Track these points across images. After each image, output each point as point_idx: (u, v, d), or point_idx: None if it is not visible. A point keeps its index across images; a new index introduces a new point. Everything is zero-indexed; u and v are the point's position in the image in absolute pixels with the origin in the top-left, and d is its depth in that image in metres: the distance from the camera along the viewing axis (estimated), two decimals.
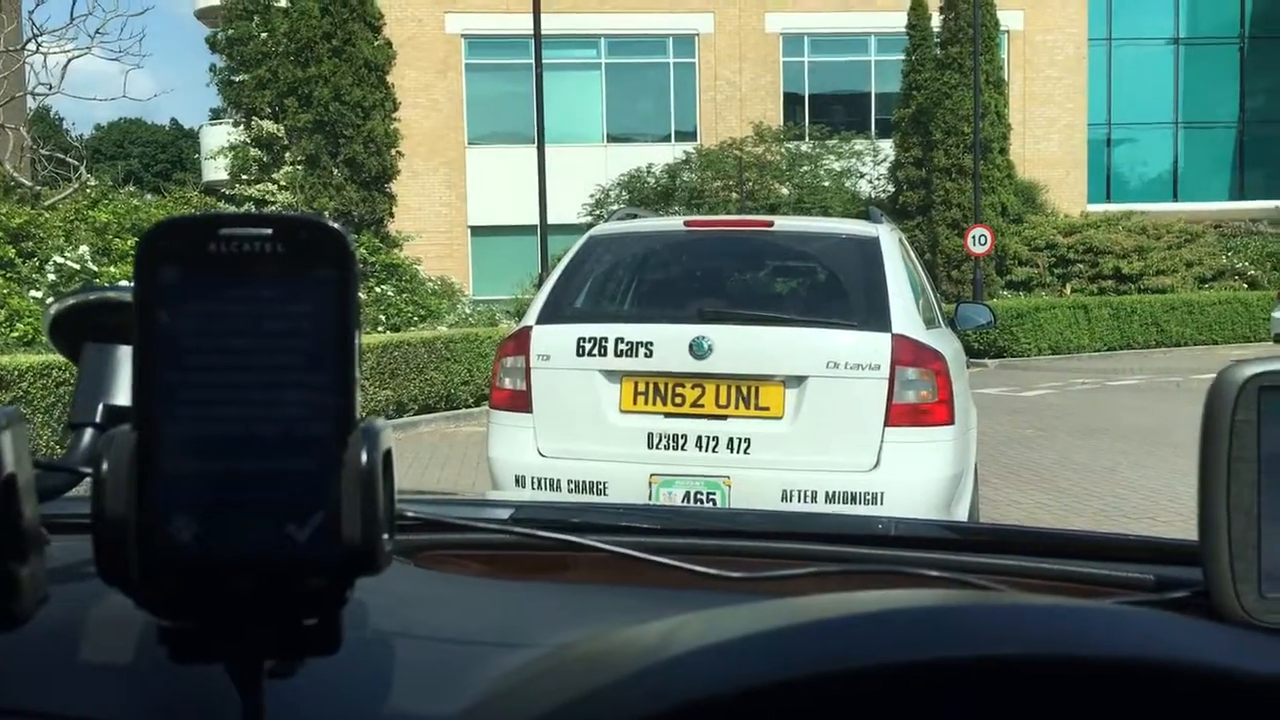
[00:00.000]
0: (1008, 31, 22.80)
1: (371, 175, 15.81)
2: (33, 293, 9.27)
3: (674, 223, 4.89)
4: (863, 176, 21.40)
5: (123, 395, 0.69)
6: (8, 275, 9.50)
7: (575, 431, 3.82)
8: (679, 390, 3.74)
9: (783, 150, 21.15)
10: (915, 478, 3.54)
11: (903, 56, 20.46)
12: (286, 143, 16.42)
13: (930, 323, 4.09)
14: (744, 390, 3.68)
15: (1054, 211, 22.24)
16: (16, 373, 6.50)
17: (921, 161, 20.01)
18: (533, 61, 14.00)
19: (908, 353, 3.59)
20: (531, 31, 13.80)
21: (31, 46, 12.86)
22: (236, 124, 17.75)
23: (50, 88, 13.03)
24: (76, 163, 12.97)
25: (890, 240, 4.07)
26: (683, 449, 3.70)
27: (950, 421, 3.64)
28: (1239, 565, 0.58)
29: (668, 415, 3.75)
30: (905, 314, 3.73)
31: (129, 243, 10.32)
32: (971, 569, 0.76)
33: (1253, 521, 0.58)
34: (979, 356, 16.18)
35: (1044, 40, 24.57)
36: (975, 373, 10.75)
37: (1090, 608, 0.52)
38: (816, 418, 3.61)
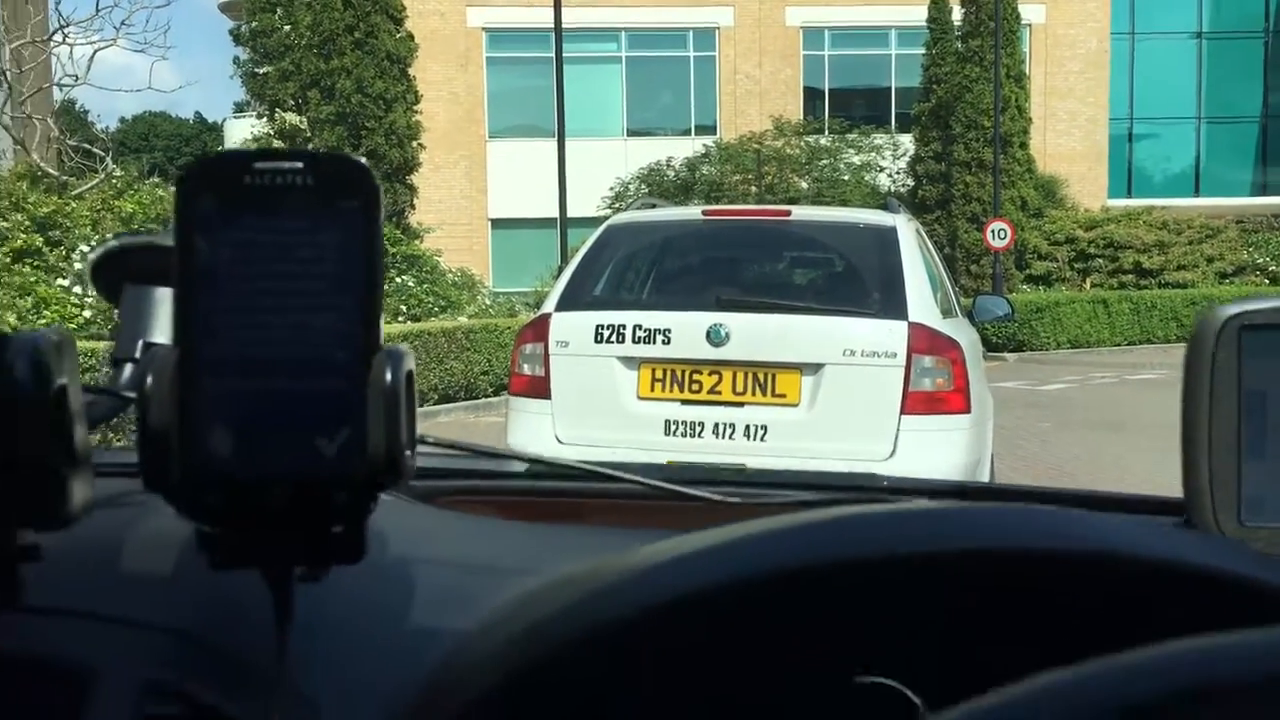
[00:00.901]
0: (1029, 25, 22.68)
1: (393, 167, 15.88)
2: (60, 281, 9.36)
3: (692, 212, 4.92)
4: (882, 170, 21.34)
5: (160, 333, 0.73)
6: (35, 264, 9.59)
7: (593, 418, 3.86)
8: (696, 377, 3.77)
9: (802, 144, 21.10)
10: (931, 465, 3.56)
11: (923, 50, 20.36)
12: (309, 135, 16.50)
13: (947, 313, 4.11)
14: (761, 378, 3.71)
15: (1074, 206, 22.12)
16: None
17: (941, 155, 19.92)
18: (553, 55, 14.03)
19: (924, 341, 3.61)
20: (552, 25, 13.82)
21: (58, 38, 12.97)
22: (260, 116, 17.87)
23: (76, 79, 13.15)
24: (102, 154, 13.08)
25: (907, 230, 4.09)
26: (699, 436, 3.73)
27: (967, 410, 3.66)
28: (1219, 495, 0.60)
29: (685, 402, 3.78)
30: (922, 303, 3.75)
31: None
32: None
33: (1233, 454, 0.61)
34: (998, 350, 16.12)
35: (1066, 34, 24.43)
36: (994, 366, 10.71)
37: (1067, 510, 0.54)
38: (833, 405, 3.64)
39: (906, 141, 21.20)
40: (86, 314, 8.97)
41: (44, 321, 8.77)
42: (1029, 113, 20.43)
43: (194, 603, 0.62)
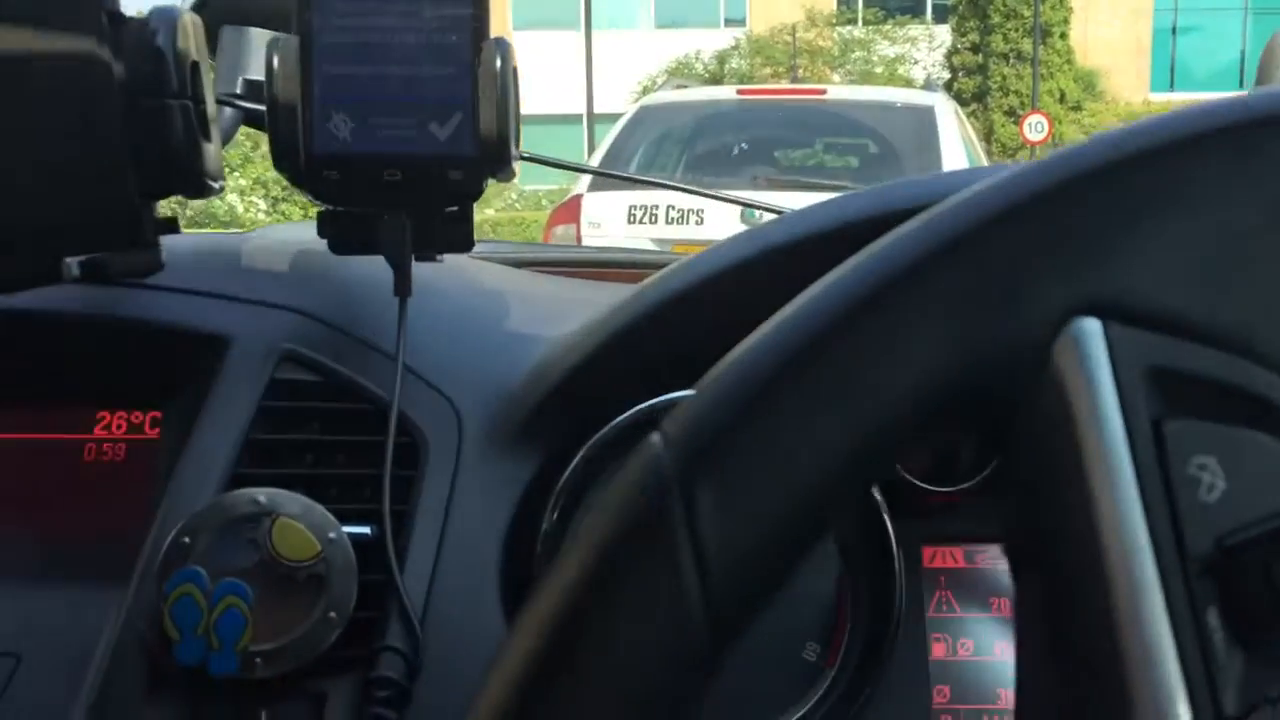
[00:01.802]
0: None
1: None
2: None
3: (726, 92, 4.82)
4: (917, 63, 20.83)
5: (255, 70, 0.77)
6: None
7: None
8: None
9: (835, 36, 20.60)
10: None
11: None
12: None
13: None
14: None
15: (1115, 100, 21.58)
16: None
17: (978, 47, 19.40)
18: None
19: None
20: None
21: None
22: None
23: None
24: None
25: (946, 109, 3.99)
26: None
27: None
28: None
29: None
30: None
31: None
32: None
33: None
34: None
35: None
36: None
37: None
38: None
39: (943, 33, 20.65)
40: None
41: None
42: (1069, 2, 19.81)
43: (315, 290, 0.68)
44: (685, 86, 4.71)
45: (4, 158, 0.56)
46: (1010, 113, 18.98)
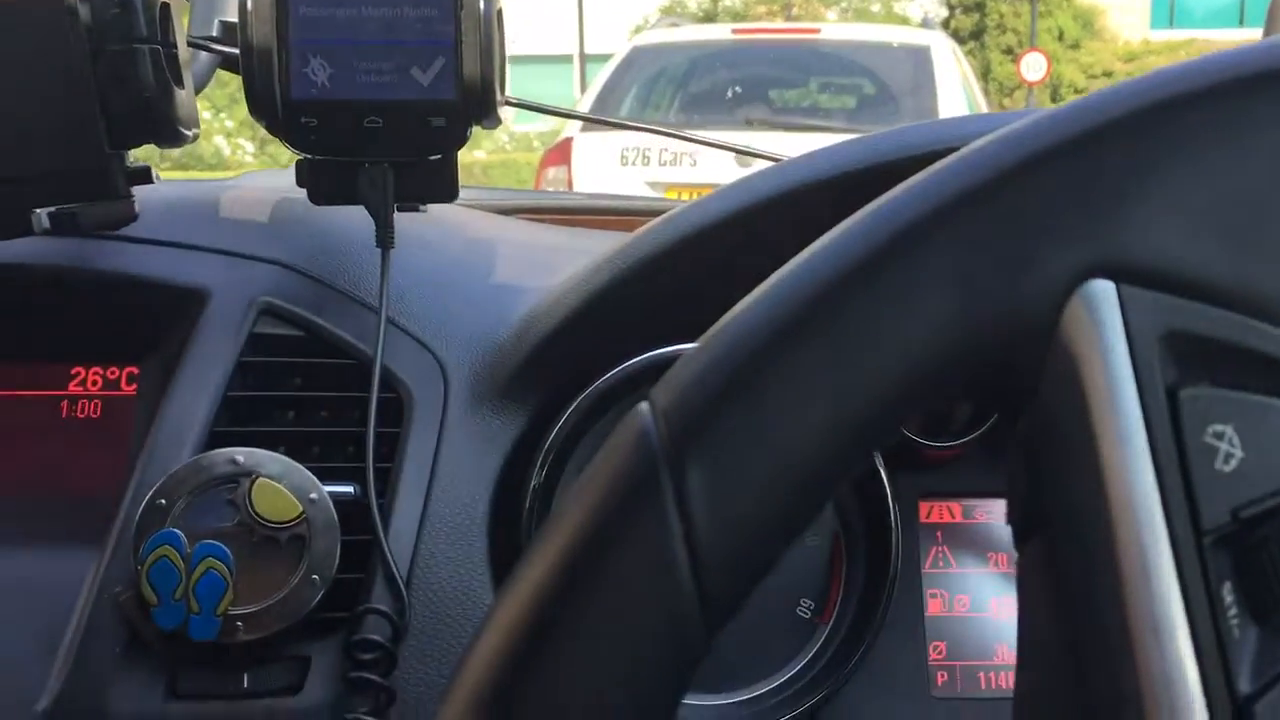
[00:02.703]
0: None
1: None
2: None
3: (720, 30, 4.75)
4: (913, 0, 20.59)
5: (232, 11, 0.74)
6: None
7: None
8: None
9: None
10: None
11: None
12: None
13: None
14: None
15: (1114, 38, 21.36)
16: None
17: None
18: None
19: None
20: None
21: None
22: None
23: None
24: None
25: (942, 49, 3.94)
26: None
27: None
28: None
29: None
30: None
31: None
32: None
33: None
34: None
35: None
36: None
37: None
38: None
39: None
40: None
41: None
42: None
43: (294, 241, 0.66)
44: (678, 25, 4.64)
45: None
46: (1008, 51, 18.79)
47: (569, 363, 0.62)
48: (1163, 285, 0.27)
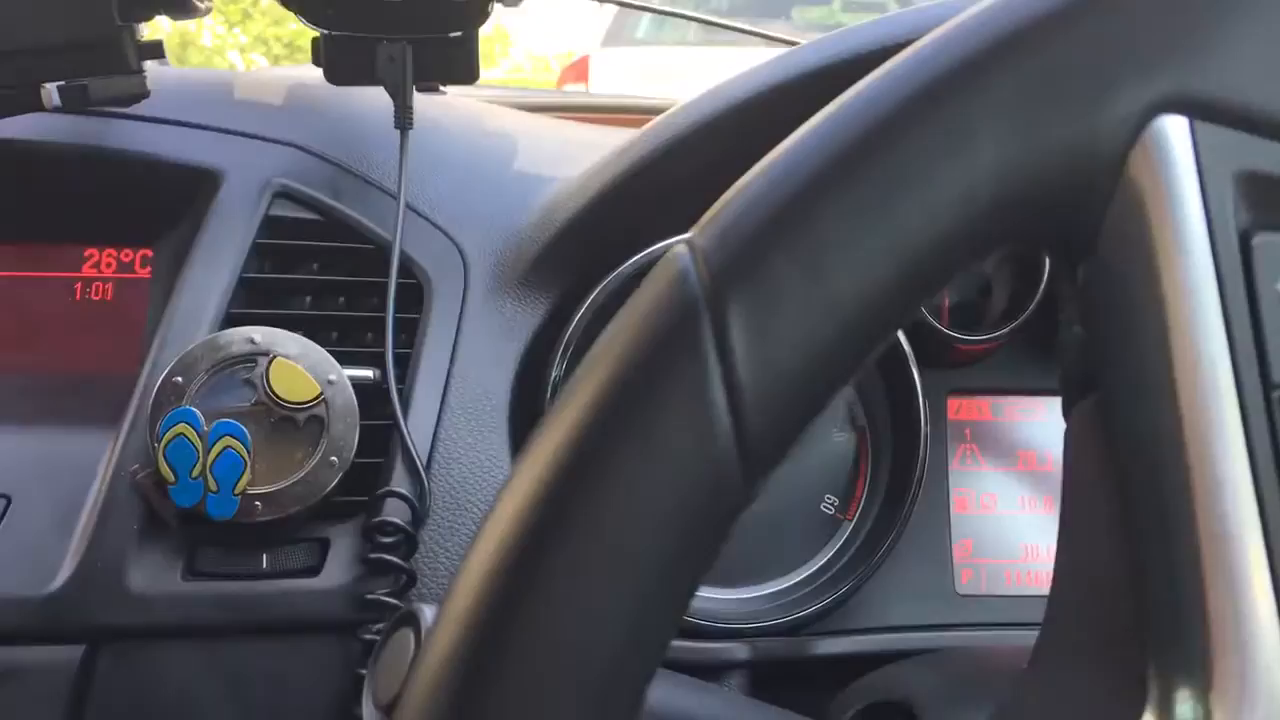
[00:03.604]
0: None
1: None
2: None
3: None
4: None
5: None
6: None
7: None
8: None
9: None
10: None
11: None
12: None
13: None
14: None
15: None
16: None
17: None
18: None
19: None
20: None
21: None
22: None
23: None
24: None
25: None
26: None
27: None
28: None
29: None
30: None
31: None
32: None
33: None
34: None
35: None
36: None
37: None
38: None
39: None
40: None
41: None
42: None
43: (310, 124, 0.65)
44: None
45: None
46: None
47: (590, 251, 0.60)
48: (1239, 123, 0.25)
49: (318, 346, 0.55)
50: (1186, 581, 0.24)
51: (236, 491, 0.52)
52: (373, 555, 0.54)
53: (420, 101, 0.61)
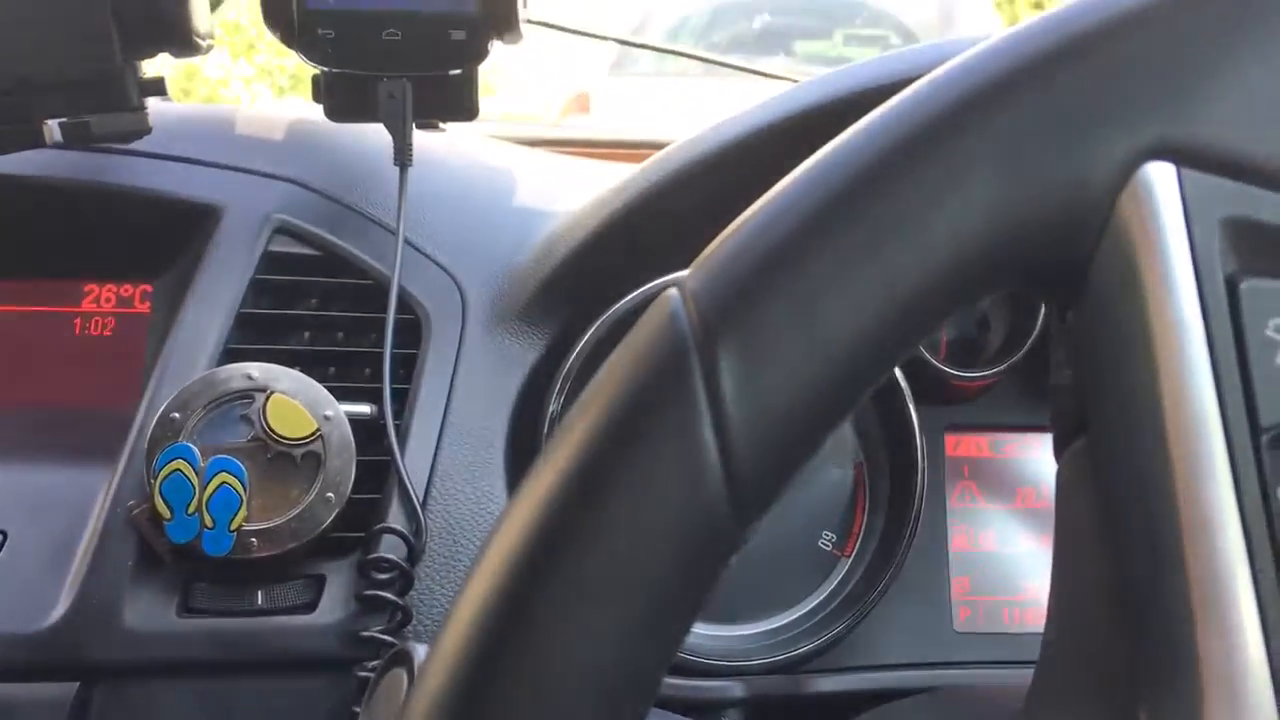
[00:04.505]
0: None
1: None
2: None
3: None
4: None
5: None
6: None
7: None
8: None
9: None
10: None
11: None
12: None
13: None
14: None
15: None
16: None
17: None
18: None
19: None
20: None
21: None
22: None
23: None
24: None
25: (972, 1, 3.86)
26: None
27: None
28: None
29: None
30: None
31: None
32: None
33: None
34: None
35: None
36: None
37: None
38: None
39: None
40: None
41: None
42: None
43: (310, 160, 0.65)
44: None
45: None
46: (1037, 5, 18.51)
47: (588, 286, 0.61)
48: (1225, 170, 0.26)
49: (315, 382, 0.55)
50: (1177, 623, 0.24)
51: (232, 528, 0.52)
52: (368, 592, 0.54)
53: (420, 138, 0.61)
